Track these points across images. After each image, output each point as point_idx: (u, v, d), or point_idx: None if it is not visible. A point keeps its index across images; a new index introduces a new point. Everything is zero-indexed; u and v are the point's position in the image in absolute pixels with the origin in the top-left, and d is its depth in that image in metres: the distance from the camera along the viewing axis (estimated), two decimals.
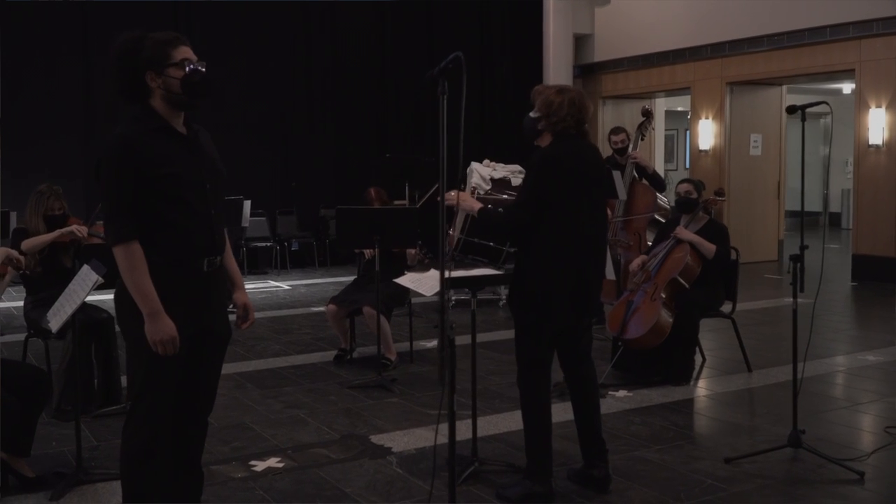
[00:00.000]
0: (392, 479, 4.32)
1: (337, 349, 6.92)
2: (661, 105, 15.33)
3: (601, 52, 14.65)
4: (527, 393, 4.03)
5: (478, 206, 4.25)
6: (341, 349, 6.88)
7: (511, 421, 5.16)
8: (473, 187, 9.11)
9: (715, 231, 6.22)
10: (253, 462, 4.54)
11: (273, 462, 4.55)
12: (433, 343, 7.47)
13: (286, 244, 12.69)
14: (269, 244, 12.49)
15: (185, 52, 3.25)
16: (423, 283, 4.39)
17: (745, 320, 6.30)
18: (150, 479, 3.33)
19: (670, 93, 14.44)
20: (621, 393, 5.84)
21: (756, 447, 4.69)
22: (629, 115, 15.04)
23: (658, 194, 7.80)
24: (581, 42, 14.64)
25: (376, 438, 4.94)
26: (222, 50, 12.22)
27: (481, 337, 7.84)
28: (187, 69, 3.23)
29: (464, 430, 5.00)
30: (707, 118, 12.91)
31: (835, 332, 8.12)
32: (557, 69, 13.97)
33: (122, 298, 3.23)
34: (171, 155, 3.21)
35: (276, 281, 11.62)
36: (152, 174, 3.14)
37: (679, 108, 16.85)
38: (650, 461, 4.55)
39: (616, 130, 8.33)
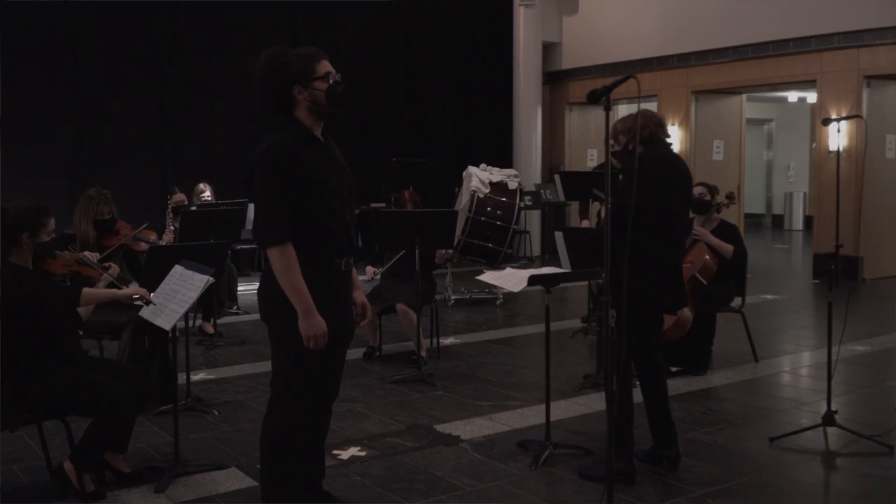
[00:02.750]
0: (475, 463, 4.64)
1: (366, 346, 7.18)
2: (623, 112, 15.85)
3: (569, 59, 15.15)
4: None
5: None
6: (370, 346, 7.15)
7: (558, 409, 5.50)
8: (473, 190, 9.51)
9: (728, 231, 6.68)
10: (336, 451, 4.80)
11: (355, 451, 4.82)
12: (450, 340, 7.78)
13: None
14: (251, 246, 12.59)
15: (326, 65, 3.53)
16: (506, 280, 4.72)
17: (723, 317, 6.80)
18: (292, 465, 3.60)
19: (634, 100, 14.97)
20: (624, 383, 6.23)
21: (792, 427, 5.13)
22: (595, 120, 15.61)
23: None
24: (549, 49, 15.10)
25: (441, 428, 5.24)
26: (211, 50, 12.37)
27: (493, 334, 8.22)
28: (331, 81, 3.50)
29: (517, 419, 5.36)
30: (673, 125, 13.48)
31: (816, 325, 8.69)
32: (527, 75, 14.43)
33: (271, 297, 3.49)
34: (318, 163, 3.49)
35: None
36: (304, 181, 3.42)
37: None
38: (703, 442, 4.95)
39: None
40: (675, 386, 6.16)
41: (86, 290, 4.24)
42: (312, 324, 3.40)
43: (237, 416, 5.55)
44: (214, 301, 7.89)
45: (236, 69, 12.62)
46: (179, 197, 8.16)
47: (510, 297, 10.13)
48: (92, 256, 5.01)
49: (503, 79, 14.64)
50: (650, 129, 4.40)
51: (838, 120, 5.14)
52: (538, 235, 14.49)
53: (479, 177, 9.43)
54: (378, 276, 7.12)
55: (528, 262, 12.85)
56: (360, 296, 3.85)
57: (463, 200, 9.55)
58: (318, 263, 3.48)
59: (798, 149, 20.75)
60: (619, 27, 14.26)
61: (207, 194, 9.12)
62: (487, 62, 14.94)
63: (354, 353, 7.26)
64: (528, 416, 5.47)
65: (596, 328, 8.14)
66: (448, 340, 7.74)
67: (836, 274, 4.99)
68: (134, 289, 4.55)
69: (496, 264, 9.56)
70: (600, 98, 3.16)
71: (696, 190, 6.88)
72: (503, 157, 13.70)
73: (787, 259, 15.33)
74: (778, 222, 20.93)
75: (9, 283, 3.95)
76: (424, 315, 7.76)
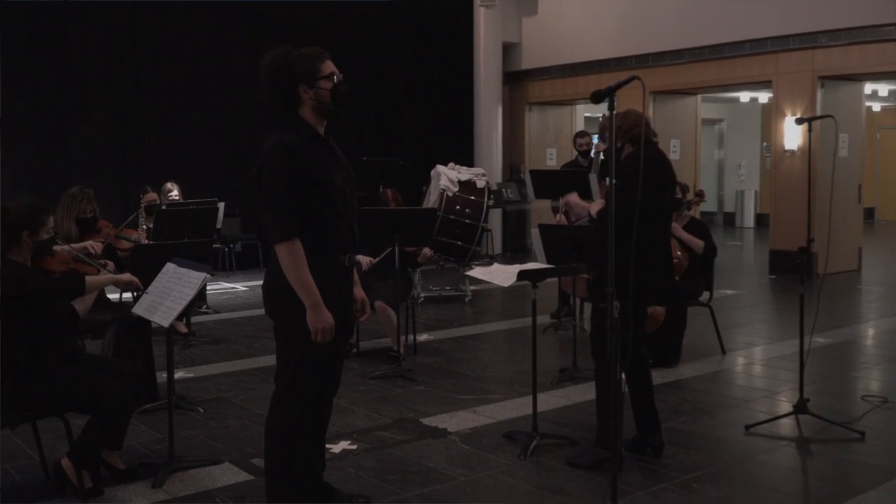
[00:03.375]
0: (465, 454, 4.75)
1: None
2: (580, 112, 16.12)
3: (528, 60, 15.34)
4: (604, 368, 4.51)
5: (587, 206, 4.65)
6: (347, 343, 7.21)
7: (539, 402, 5.62)
8: (443, 189, 9.64)
9: (699, 228, 6.88)
10: (328, 445, 4.85)
11: (345, 445, 4.90)
12: (424, 336, 7.88)
13: (231, 246, 12.82)
14: (217, 246, 12.59)
15: (330, 65, 3.62)
16: (495, 275, 4.83)
17: (690, 310, 7.02)
18: (297, 458, 3.67)
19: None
20: (622, 376, 6.40)
21: (765, 416, 5.32)
22: (553, 120, 15.82)
23: None
24: (509, 50, 15.26)
25: (427, 421, 5.35)
26: (173, 50, 12.32)
27: (465, 330, 8.35)
28: (336, 81, 3.59)
29: (499, 412, 5.49)
30: None
31: (777, 318, 8.97)
32: (488, 76, 14.58)
33: (277, 292, 3.56)
34: (323, 161, 3.57)
35: (227, 282, 11.76)
36: (311, 179, 3.50)
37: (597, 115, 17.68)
38: (682, 431, 5.13)
39: (581, 134, 8.95)
40: None
41: (88, 277, 4.28)
42: (320, 317, 3.48)
43: (223, 413, 5.59)
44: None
45: (198, 69, 12.63)
46: (152, 196, 8.15)
47: (478, 294, 10.28)
48: (95, 247, 5.04)
49: (464, 79, 14.76)
50: (638, 129, 4.54)
51: (810, 120, 5.32)
52: (499, 234, 14.66)
53: (448, 175, 9.55)
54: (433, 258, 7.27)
55: (491, 261, 13.00)
56: (359, 291, 3.93)
57: (431, 199, 9.66)
58: (323, 260, 3.56)
59: (749, 148, 21.22)
60: (577, 28, 14.47)
61: (175, 193, 9.11)
62: (448, 62, 15.06)
63: None
64: (511, 409, 5.60)
65: (570, 323, 8.32)
66: (423, 337, 7.83)
67: (805, 267, 5.18)
68: (128, 275, 4.57)
69: (464, 262, 9.70)
70: (604, 98, 3.30)
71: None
72: (464, 157, 13.81)
73: (742, 255, 15.68)
74: (730, 220, 21.37)
75: (12, 280, 3.97)
76: (400, 312, 7.88)
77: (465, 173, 9.68)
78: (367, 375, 6.48)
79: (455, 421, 5.35)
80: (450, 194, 9.44)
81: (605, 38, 14.06)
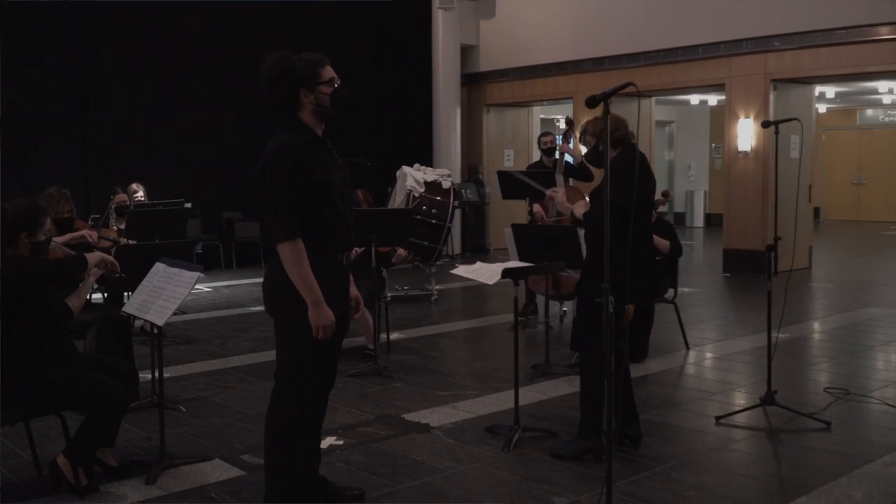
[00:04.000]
0: (450, 447, 4.88)
1: None
2: (537, 113, 16.35)
3: (486, 62, 15.53)
4: (588, 364, 4.67)
5: (577, 214, 4.76)
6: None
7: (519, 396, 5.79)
8: (409, 189, 9.76)
9: (664, 228, 7.10)
10: None
11: (332, 440, 5.00)
12: (395, 335, 7.99)
13: (192, 248, 12.75)
14: None
15: (330, 71, 3.74)
16: (479, 273, 4.97)
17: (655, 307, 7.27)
18: (296, 452, 3.77)
19: (553, 102, 15.49)
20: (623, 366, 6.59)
21: (735, 407, 5.55)
22: (511, 121, 16.03)
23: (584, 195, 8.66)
24: (467, 52, 15.43)
25: (409, 417, 5.47)
26: (127, 50, 12.26)
27: (434, 329, 8.49)
28: (336, 85, 3.71)
29: (478, 407, 5.64)
30: None
31: (735, 315, 9.26)
32: (446, 77, 14.73)
33: (278, 290, 3.66)
34: (323, 163, 3.69)
35: None
36: (313, 179, 3.61)
37: (552, 116, 17.97)
38: (656, 423, 5.32)
39: (544, 133, 9.12)
40: None
41: (87, 254, 4.33)
42: (322, 314, 3.58)
43: (205, 412, 5.65)
44: None
45: (159, 70, 12.58)
46: (122, 197, 8.14)
47: (444, 293, 10.43)
48: (92, 235, 5.07)
49: (423, 80, 14.90)
50: (621, 132, 4.70)
51: (777, 123, 5.56)
52: (458, 234, 14.81)
53: (414, 176, 9.68)
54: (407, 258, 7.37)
55: (452, 261, 13.17)
56: (353, 290, 4.04)
57: (397, 200, 9.78)
58: (323, 258, 3.67)
59: (698, 149, 21.69)
60: (534, 31, 14.69)
61: (141, 194, 9.10)
62: (407, 64, 15.17)
63: None
64: (489, 404, 5.74)
65: (536, 321, 8.51)
66: (394, 335, 7.95)
67: (774, 263, 5.41)
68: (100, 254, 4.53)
69: (430, 262, 9.85)
70: (598, 103, 3.45)
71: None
72: (424, 158, 13.94)
73: (695, 255, 16.04)
74: (680, 220, 21.79)
75: (14, 268, 4.01)
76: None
77: (430, 174, 9.81)
78: (345, 373, 6.55)
79: (436, 416, 5.48)
80: (416, 195, 9.57)
81: (562, 42, 14.30)
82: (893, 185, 21.61)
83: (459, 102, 15.00)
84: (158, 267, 4.63)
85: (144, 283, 4.59)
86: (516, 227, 6.48)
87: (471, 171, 15.53)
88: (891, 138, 21.84)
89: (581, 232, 6.19)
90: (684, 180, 22.05)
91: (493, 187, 14.86)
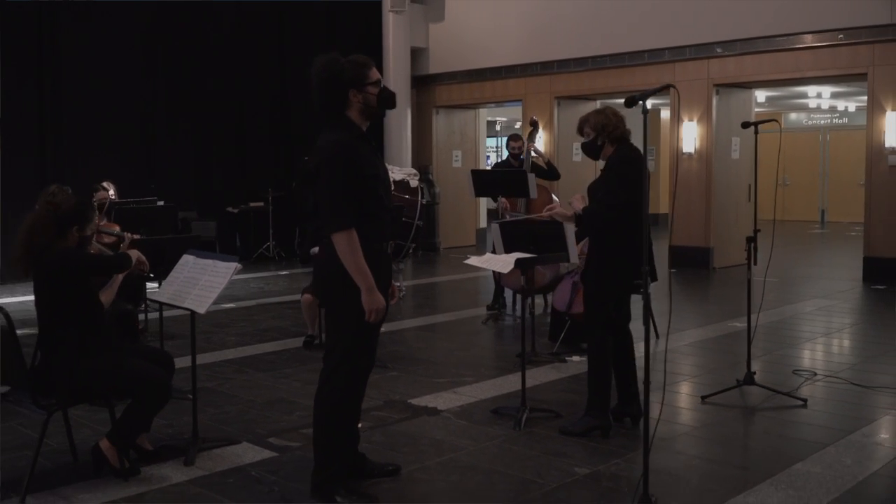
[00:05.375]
0: (464, 428, 5.18)
1: (304, 335, 7.55)
2: (484, 115, 16.74)
3: (435, 64, 15.84)
4: (596, 346, 5.01)
5: (577, 209, 5.00)
6: (309, 335, 7.51)
7: (509, 383, 6.12)
8: None
9: None
10: None
11: None
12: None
13: None
14: None
15: (376, 73, 4.02)
16: (493, 263, 5.27)
17: None
18: (343, 431, 4.04)
19: (501, 104, 15.88)
20: (575, 358, 6.96)
21: (715, 388, 5.96)
22: (459, 123, 16.38)
23: (552, 194, 9.06)
24: (417, 55, 15.72)
25: (415, 401, 5.74)
26: (90, 50, 12.22)
27: (412, 322, 8.76)
28: (382, 86, 3.98)
29: (478, 392, 5.94)
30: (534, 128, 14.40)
31: (689, 307, 9.75)
32: (397, 80, 14.95)
33: (330, 278, 3.92)
34: (370, 158, 3.96)
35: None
36: (363, 174, 3.87)
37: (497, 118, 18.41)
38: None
39: (514, 137, 9.50)
40: None
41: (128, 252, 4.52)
42: (375, 299, 3.85)
43: (216, 401, 5.83)
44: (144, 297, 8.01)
45: (118, 69, 12.57)
46: (103, 195, 8.21)
47: (413, 289, 10.71)
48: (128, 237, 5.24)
49: None
50: (620, 130, 5.05)
51: (756, 124, 6.02)
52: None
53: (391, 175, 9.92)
54: None
55: (411, 257, 13.44)
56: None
57: None
58: (371, 247, 3.93)
59: None
60: (483, 35, 15.07)
61: (112, 192, 9.16)
62: None
63: (294, 343, 7.64)
64: (487, 389, 6.05)
65: (504, 314, 8.87)
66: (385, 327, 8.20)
67: (754, 254, 5.85)
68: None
69: (399, 259, 10.11)
70: (636, 103, 3.77)
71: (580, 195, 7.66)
72: None
73: None
74: None
75: (69, 262, 4.18)
76: None
77: (398, 173, 10.09)
78: None
79: (441, 401, 5.76)
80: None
81: (510, 45, 14.70)
82: (815, 187, 22.64)
83: (410, 104, 15.28)
84: (188, 258, 4.82)
85: (174, 274, 4.79)
86: (503, 225, 6.79)
87: (421, 171, 15.80)
88: (812, 141, 22.87)
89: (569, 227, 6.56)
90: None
91: (455, 187, 15.25)
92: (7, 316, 4.03)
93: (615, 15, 13.39)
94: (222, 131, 13.94)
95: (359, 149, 3.89)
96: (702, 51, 12.49)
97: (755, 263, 5.91)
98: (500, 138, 22.70)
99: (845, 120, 22.56)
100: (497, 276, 8.67)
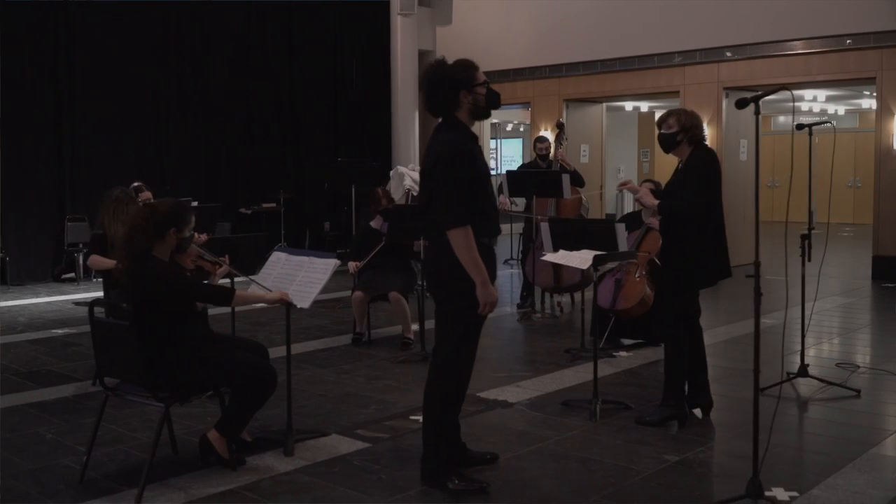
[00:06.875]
0: (541, 419, 5.35)
1: (352, 333, 7.68)
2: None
3: None
4: (673, 338, 5.19)
5: (655, 202, 5.17)
6: (357, 333, 7.64)
7: (566, 377, 6.31)
8: (408, 188, 10.17)
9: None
10: (413, 417, 5.35)
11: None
12: (415, 327, 8.38)
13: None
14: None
15: (482, 75, 4.20)
16: (572, 258, 5.44)
17: None
18: (453, 419, 4.21)
19: (509, 107, 16.09)
20: (622, 353, 7.15)
21: (769, 381, 6.16)
22: None
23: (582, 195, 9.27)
24: (425, 58, 15.85)
25: (484, 395, 5.90)
26: (92, 49, 12.26)
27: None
28: (489, 87, 4.16)
29: (541, 385, 6.10)
30: (546, 129, 14.63)
31: (717, 305, 9.98)
32: (404, 82, 15.14)
33: (440, 273, 4.10)
34: (480, 157, 4.14)
35: None
36: (476, 172, 4.05)
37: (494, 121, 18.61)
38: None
39: (541, 139, 9.69)
40: (645, 355, 7.14)
41: (238, 292, 4.56)
42: (489, 292, 4.02)
43: (281, 396, 5.94)
44: None
45: (130, 72, 12.62)
46: (147, 195, 8.26)
47: None
48: (200, 238, 5.32)
49: (382, 85, 15.30)
50: (701, 133, 5.25)
51: (811, 126, 6.26)
52: None
53: (411, 175, 10.11)
54: (358, 270, 7.64)
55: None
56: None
57: (396, 198, 10.18)
58: (481, 243, 4.10)
59: (626, 153, 22.67)
60: (491, 38, 15.25)
61: (149, 195, 9.22)
62: (367, 68, 15.54)
63: (343, 340, 7.77)
64: (548, 383, 6.22)
65: (537, 311, 9.06)
66: (414, 327, 8.33)
67: (809, 250, 6.09)
68: (279, 293, 4.63)
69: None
70: (747, 105, 3.95)
71: (647, 186, 7.89)
72: (383, 161, 14.38)
73: None
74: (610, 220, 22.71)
75: (167, 279, 4.31)
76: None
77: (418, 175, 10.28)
78: (394, 360, 6.95)
79: (508, 394, 5.93)
80: (414, 193, 9.99)
81: (518, 49, 14.91)
82: (803, 188, 23.01)
83: (418, 107, 15.43)
84: (279, 256, 4.97)
85: (266, 270, 4.93)
86: (552, 222, 6.98)
87: None
88: (799, 144, 23.25)
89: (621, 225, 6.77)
90: (614, 182, 23.01)
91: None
92: (117, 308, 4.14)
93: (625, 18, 13.63)
94: (233, 133, 14.02)
95: (472, 148, 4.07)
96: (712, 55, 12.76)
97: (810, 259, 6.13)
98: (499, 140, 22.89)
99: (833, 122, 22.95)
100: (529, 274, 8.85)
